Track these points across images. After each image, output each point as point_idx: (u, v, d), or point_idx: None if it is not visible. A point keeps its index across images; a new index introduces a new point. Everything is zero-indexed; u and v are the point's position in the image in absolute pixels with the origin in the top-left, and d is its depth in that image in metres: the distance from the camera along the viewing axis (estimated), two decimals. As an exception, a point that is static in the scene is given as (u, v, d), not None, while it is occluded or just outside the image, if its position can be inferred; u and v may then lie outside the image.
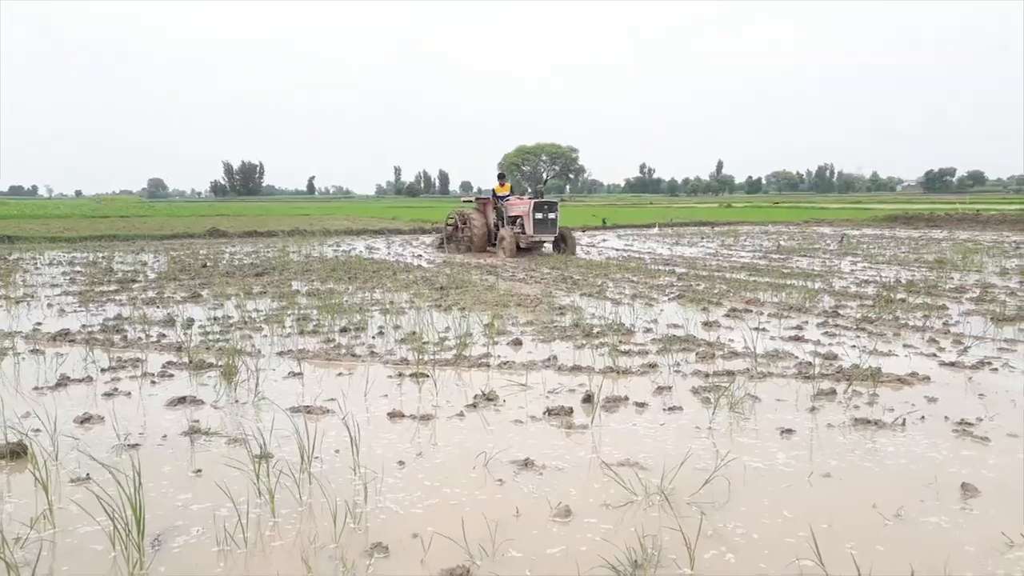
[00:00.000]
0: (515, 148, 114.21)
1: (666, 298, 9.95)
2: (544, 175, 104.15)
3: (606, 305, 9.32)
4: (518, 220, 16.76)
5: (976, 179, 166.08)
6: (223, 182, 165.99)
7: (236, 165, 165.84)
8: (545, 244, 17.09)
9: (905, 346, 6.98)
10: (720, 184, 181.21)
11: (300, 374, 6.02)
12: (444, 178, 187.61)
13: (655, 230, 28.29)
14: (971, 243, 19.99)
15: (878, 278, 11.86)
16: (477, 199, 18.51)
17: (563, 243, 16.87)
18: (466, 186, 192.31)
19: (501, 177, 18.57)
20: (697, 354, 6.53)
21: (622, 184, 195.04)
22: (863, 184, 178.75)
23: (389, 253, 18.11)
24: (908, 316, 8.36)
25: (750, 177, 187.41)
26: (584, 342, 7.05)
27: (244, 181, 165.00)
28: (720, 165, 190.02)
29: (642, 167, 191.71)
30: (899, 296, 9.77)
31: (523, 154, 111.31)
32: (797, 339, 7.22)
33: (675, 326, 7.87)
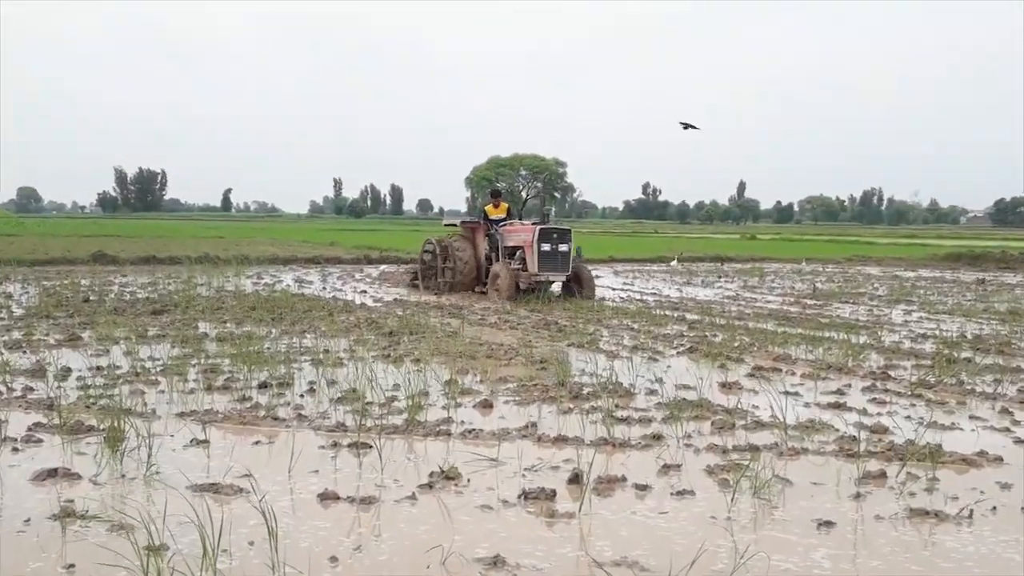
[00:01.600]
0: (487, 159, 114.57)
1: (675, 352, 10.01)
2: (524, 193, 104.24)
3: (599, 359, 9.35)
4: (517, 252, 16.17)
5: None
6: (114, 193, 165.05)
7: (132, 173, 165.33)
8: (554, 284, 16.51)
9: (971, 418, 7.04)
10: (742, 210, 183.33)
11: (206, 442, 5.93)
12: (397, 195, 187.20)
13: (673, 263, 28.52)
14: (1051, 290, 20.36)
15: (938, 332, 11.98)
16: (463, 223, 17.84)
17: (577, 284, 16.23)
18: (424, 205, 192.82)
19: (495, 195, 17.86)
20: (713, 423, 6.53)
21: (621, 207, 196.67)
22: (919, 215, 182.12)
23: (325, 288, 18.07)
24: (975, 380, 8.45)
25: (779, 203, 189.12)
26: (571, 406, 7.04)
27: (141, 193, 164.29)
28: (742, 187, 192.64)
29: (645, 187, 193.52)
30: (964, 355, 9.87)
31: (496, 167, 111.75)
32: (837, 407, 7.25)
33: (685, 387, 7.90)
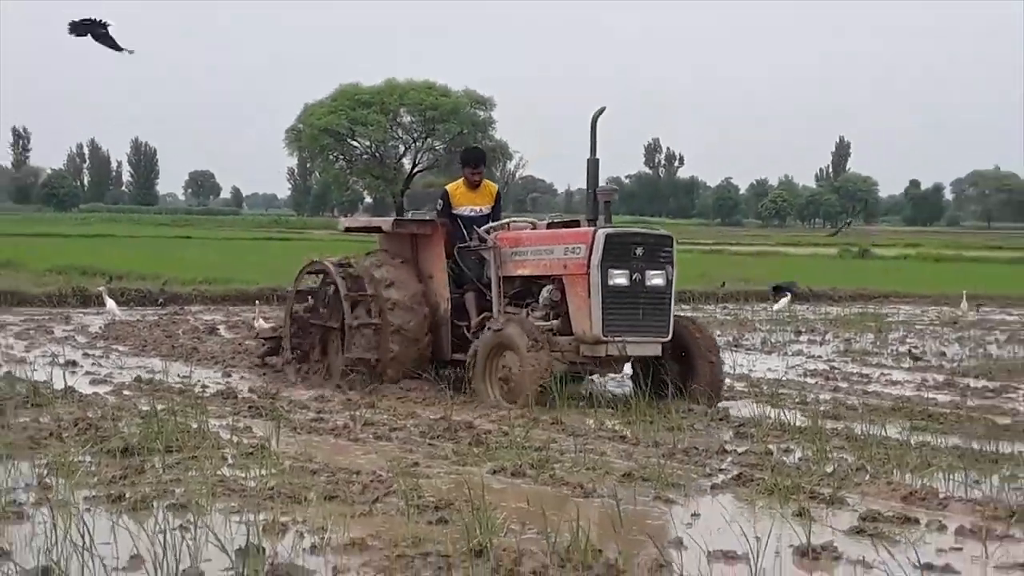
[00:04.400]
0: (333, 93, 67.02)
1: (708, 484, 6.52)
2: (406, 160, 64.05)
3: (557, 498, 6.14)
4: (543, 294, 8.98)
5: None
6: None
7: None
8: (631, 359, 9.11)
9: None
10: (843, 200, 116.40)
11: None
12: (146, 164, 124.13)
13: (962, 310, 17.99)
14: None
15: None
16: (399, 225, 9.88)
17: (686, 365, 8.93)
18: (202, 184, 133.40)
19: (474, 162, 9.92)
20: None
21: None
22: None
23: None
24: None
25: (914, 184, 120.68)
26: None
27: None
28: (843, 154, 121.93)
29: (651, 153, 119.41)
30: None
31: (353, 106, 64.79)
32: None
33: (727, 556, 5.36)
